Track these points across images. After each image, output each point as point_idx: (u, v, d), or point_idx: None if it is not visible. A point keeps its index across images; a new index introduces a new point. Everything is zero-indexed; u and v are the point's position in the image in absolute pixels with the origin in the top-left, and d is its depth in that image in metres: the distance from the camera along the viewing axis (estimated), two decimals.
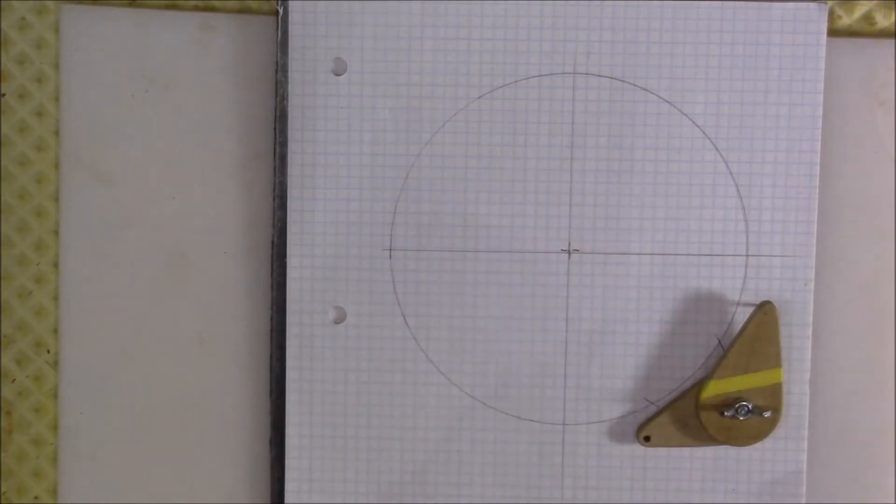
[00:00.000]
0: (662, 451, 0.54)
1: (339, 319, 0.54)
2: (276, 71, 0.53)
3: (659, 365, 0.54)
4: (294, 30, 0.53)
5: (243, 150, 0.54)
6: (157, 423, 0.55)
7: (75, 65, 0.54)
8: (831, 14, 0.53)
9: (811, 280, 0.53)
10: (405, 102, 0.53)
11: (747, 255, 0.53)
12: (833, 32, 0.53)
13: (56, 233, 0.55)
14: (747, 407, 0.51)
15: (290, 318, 0.54)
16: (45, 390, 0.55)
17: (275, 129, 0.53)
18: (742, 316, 0.53)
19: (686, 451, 0.54)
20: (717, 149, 0.53)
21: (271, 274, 0.54)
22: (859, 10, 0.53)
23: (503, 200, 0.53)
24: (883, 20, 0.54)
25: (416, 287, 0.54)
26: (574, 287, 0.54)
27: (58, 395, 0.55)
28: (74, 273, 0.54)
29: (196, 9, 0.54)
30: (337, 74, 0.53)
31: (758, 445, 0.53)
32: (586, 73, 0.53)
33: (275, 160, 0.53)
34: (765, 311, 0.52)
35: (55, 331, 0.55)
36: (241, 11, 0.54)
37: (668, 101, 0.53)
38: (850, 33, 0.54)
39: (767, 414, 0.51)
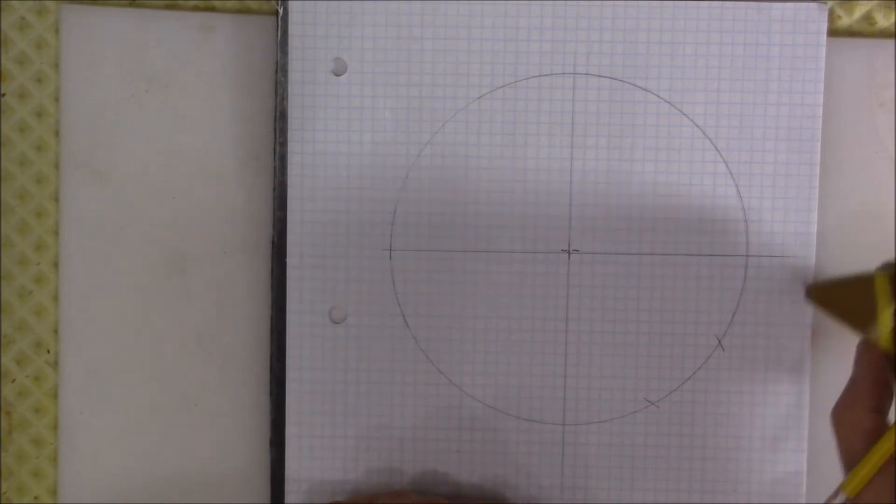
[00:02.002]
0: (663, 451, 0.54)
1: (339, 319, 0.54)
2: (276, 71, 0.53)
3: (659, 365, 0.54)
4: (294, 30, 0.53)
5: (243, 150, 0.54)
6: (157, 424, 0.55)
7: (75, 65, 0.54)
8: (831, 14, 0.53)
9: (811, 280, 0.53)
10: (405, 102, 0.53)
11: (747, 256, 0.53)
12: (833, 32, 0.53)
13: (56, 233, 0.55)
14: None
15: (290, 318, 0.54)
16: (45, 390, 0.55)
17: (275, 129, 0.53)
18: (742, 316, 0.53)
19: (686, 450, 0.54)
20: (717, 149, 0.53)
21: (271, 274, 0.54)
22: (859, 10, 0.53)
23: (503, 200, 0.53)
24: (883, 20, 0.54)
25: (416, 287, 0.54)
26: (574, 287, 0.54)
27: (58, 395, 0.55)
28: (74, 273, 0.54)
29: (196, 9, 0.54)
30: (337, 74, 0.53)
31: (757, 445, 0.53)
32: (586, 73, 0.53)
33: (275, 160, 0.53)
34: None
35: (55, 331, 0.55)
36: (241, 11, 0.54)
37: (668, 102, 0.53)
38: (850, 33, 0.54)
39: None
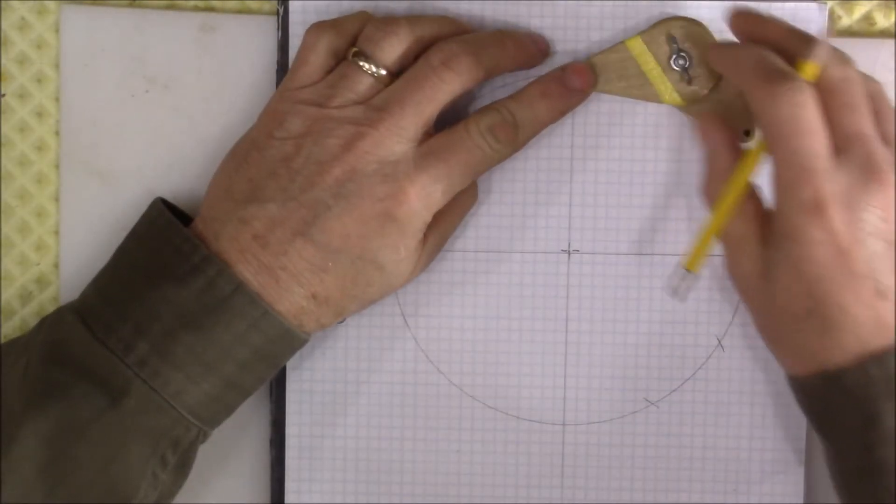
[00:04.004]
0: (663, 451, 0.54)
1: (339, 319, 0.54)
2: (277, 71, 0.53)
3: (659, 365, 0.54)
4: (294, 30, 0.52)
5: None
6: None
7: (75, 65, 0.54)
8: (831, 14, 0.53)
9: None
10: None
11: None
12: (833, 32, 0.53)
13: (56, 233, 0.55)
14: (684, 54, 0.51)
15: None
16: None
17: None
18: (742, 316, 0.53)
19: (686, 451, 0.54)
20: None
21: None
22: (859, 11, 0.53)
23: (503, 200, 0.53)
24: (883, 20, 0.54)
25: (416, 287, 0.54)
26: (574, 287, 0.54)
27: None
28: (75, 274, 0.54)
29: (196, 9, 0.54)
30: None
31: (757, 445, 0.53)
32: None
33: None
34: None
35: None
36: (241, 11, 0.54)
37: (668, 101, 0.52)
38: (850, 33, 0.54)
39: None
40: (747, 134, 0.52)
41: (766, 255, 0.47)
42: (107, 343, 0.46)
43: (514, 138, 0.49)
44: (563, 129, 0.53)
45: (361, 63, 0.48)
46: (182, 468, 0.48)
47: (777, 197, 0.46)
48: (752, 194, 0.48)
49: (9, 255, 0.55)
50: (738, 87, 0.48)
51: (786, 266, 0.45)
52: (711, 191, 0.49)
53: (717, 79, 0.51)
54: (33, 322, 0.54)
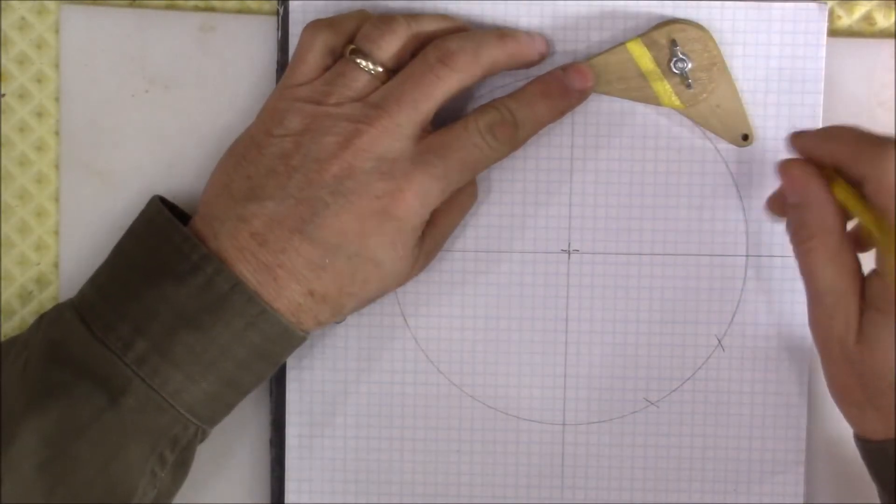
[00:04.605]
0: (663, 451, 0.54)
1: (339, 319, 0.54)
2: (277, 71, 0.53)
3: (659, 365, 0.54)
4: (294, 30, 0.52)
5: None
6: None
7: (75, 65, 0.54)
8: (831, 14, 0.53)
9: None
10: None
11: (747, 256, 0.53)
12: (833, 32, 0.53)
13: (56, 233, 0.55)
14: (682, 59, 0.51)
15: None
16: None
17: None
18: (742, 316, 0.53)
19: (686, 451, 0.54)
20: (716, 149, 0.53)
21: None
22: (859, 10, 0.53)
23: (503, 200, 0.53)
24: (883, 20, 0.54)
25: (416, 287, 0.54)
26: (574, 287, 0.54)
27: None
28: (75, 274, 0.54)
29: (196, 9, 0.54)
30: None
31: (757, 445, 0.53)
32: None
33: None
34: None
35: None
36: (241, 11, 0.54)
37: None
38: (850, 33, 0.54)
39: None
40: (745, 139, 0.52)
41: (864, 317, 0.45)
42: (106, 342, 0.46)
43: (514, 137, 0.49)
44: (563, 129, 0.53)
45: (358, 60, 0.48)
46: (181, 467, 0.48)
47: (887, 259, 0.44)
48: (852, 251, 0.46)
49: (9, 255, 0.55)
50: (835, 160, 0.45)
51: (889, 331, 0.44)
52: (808, 253, 0.47)
53: (716, 83, 0.51)
54: None
